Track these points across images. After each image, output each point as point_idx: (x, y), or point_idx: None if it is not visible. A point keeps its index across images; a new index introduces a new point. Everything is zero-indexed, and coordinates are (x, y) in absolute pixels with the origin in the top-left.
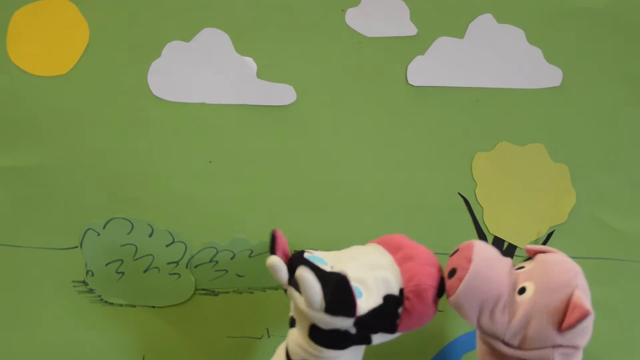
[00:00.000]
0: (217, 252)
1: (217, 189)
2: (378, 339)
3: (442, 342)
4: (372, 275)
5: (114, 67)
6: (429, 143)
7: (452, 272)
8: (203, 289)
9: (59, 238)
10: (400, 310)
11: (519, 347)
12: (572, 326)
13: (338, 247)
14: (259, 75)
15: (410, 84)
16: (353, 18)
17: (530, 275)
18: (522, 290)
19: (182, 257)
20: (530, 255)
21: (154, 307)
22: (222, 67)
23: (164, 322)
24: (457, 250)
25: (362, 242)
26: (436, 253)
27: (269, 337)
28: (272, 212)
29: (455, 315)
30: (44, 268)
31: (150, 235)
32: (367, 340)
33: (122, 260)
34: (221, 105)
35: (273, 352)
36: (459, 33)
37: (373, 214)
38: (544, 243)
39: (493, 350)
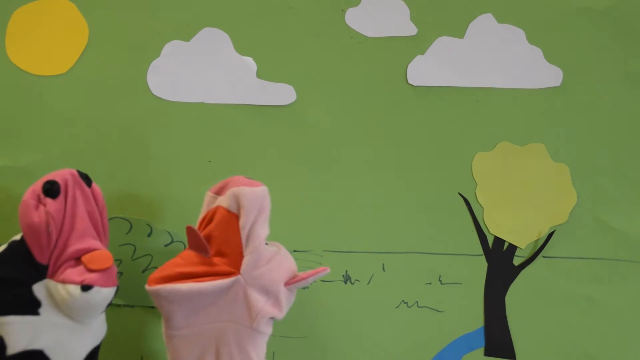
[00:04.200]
0: None
1: None
2: (39, 289)
3: (442, 342)
4: None
5: (114, 66)
6: (429, 143)
7: None
8: None
9: None
10: None
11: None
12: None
13: (337, 246)
14: (259, 75)
15: (410, 84)
16: (353, 18)
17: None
18: None
19: None
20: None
21: (152, 307)
22: (222, 66)
23: None
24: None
25: (363, 242)
26: (436, 253)
27: None
28: (272, 211)
29: (455, 316)
30: None
31: (149, 235)
32: (26, 294)
33: (121, 260)
34: (221, 105)
35: (271, 352)
36: (459, 33)
37: (373, 214)
38: (545, 243)
39: None
